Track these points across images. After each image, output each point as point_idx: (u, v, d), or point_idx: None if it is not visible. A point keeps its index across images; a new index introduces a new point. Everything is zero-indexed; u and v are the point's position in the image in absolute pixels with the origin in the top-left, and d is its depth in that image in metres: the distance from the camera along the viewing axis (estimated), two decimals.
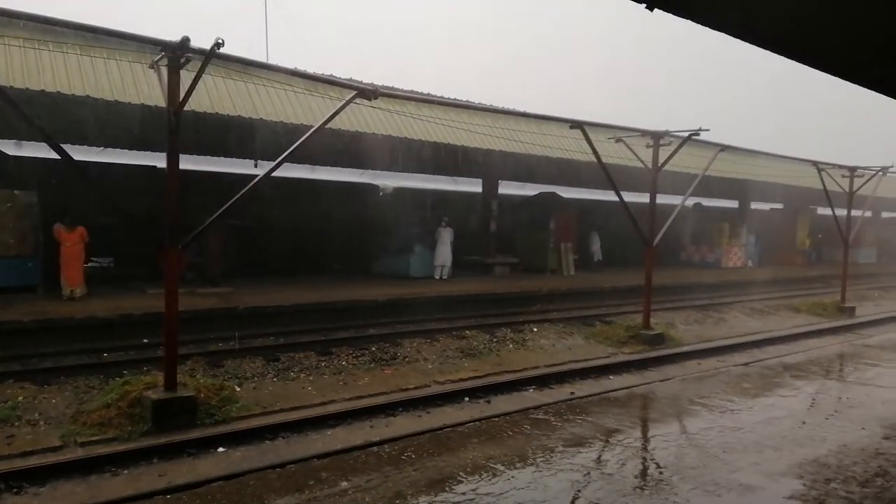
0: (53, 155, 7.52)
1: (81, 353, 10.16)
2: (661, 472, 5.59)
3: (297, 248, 19.01)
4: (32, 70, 10.17)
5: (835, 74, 5.24)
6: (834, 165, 18.82)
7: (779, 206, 32.66)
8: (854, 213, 19.58)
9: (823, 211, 28.13)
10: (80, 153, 14.29)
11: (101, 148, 16.68)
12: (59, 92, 10.20)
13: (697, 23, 4.15)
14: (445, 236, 18.88)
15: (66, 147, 7.82)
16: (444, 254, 18.84)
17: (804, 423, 7.09)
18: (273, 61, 11.38)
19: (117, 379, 8.54)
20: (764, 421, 7.11)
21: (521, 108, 15.11)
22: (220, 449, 6.86)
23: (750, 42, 4.33)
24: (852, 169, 18.84)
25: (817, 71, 5.11)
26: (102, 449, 6.65)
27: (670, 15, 3.99)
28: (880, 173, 19.06)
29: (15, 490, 5.71)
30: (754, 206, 32.16)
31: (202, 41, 7.65)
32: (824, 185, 18.53)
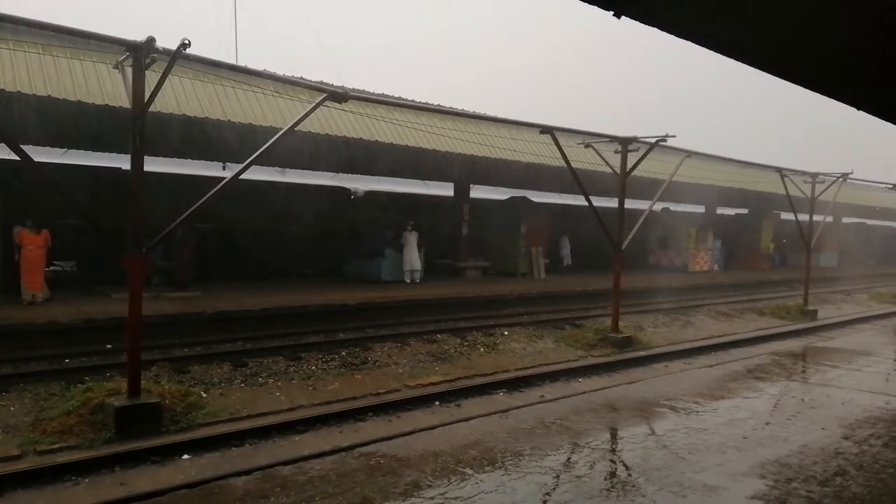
0: (13, 156, 7.33)
1: (42, 359, 9.90)
2: (628, 474, 5.65)
3: (266, 251, 18.78)
4: None
5: (801, 84, 5.36)
6: (797, 172, 19.30)
7: (744, 210, 33.34)
8: (816, 217, 20.09)
9: (787, 216, 28.79)
10: (41, 154, 13.94)
11: (64, 149, 16.30)
12: (19, 91, 9.96)
13: (662, 30, 4.22)
14: (412, 240, 18.87)
15: (27, 148, 7.62)
16: (411, 258, 18.81)
17: (767, 423, 7.23)
18: (242, 63, 11.28)
19: (79, 385, 8.34)
20: (728, 422, 7.23)
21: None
22: (185, 456, 6.74)
23: (712, 49, 4.42)
24: (814, 175, 19.35)
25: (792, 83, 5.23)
26: (62, 457, 6.48)
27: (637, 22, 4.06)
28: (840, 179, 19.60)
29: None
30: (720, 210, 32.78)
31: (169, 41, 7.55)
32: (787, 191, 18.99)
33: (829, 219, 22.97)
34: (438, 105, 15.58)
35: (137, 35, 7.58)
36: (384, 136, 14.25)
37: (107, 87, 10.75)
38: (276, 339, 11.91)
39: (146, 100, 7.65)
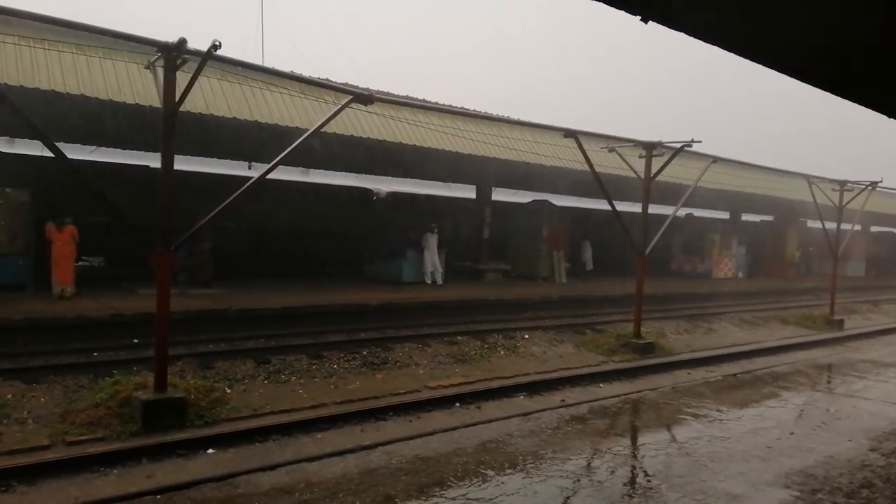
0: (46, 153, 7.51)
1: (71, 352, 10.09)
2: (649, 480, 5.63)
3: (289, 250, 18.98)
4: (27, 68, 10.15)
5: (836, 93, 5.29)
6: (824, 179, 19.02)
7: (769, 217, 32.91)
8: (843, 226, 19.78)
9: (813, 224, 28.35)
10: (70, 151, 14.24)
11: (94, 147, 16.63)
12: (53, 90, 10.18)
13: (690, 35, 4.21)
14: (433, 242, 18.94)
15: (59, 145, 7.79)
16: (432, 260, 18.89)
17: (792, 433, 7.16)
18: (268, 64, 11.43)
19: (107, 379, 8.49)
20: (752, 431, 7.17)
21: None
22: (210, 451, 6.83)
23: (743, 56, 4.39)
24: (842, 183, 19.04)
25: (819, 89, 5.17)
26: (91, 448, 6.61)
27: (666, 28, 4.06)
28: (869, 188, 19.27)
29: (3, 488, 5.68)
30: (745, 217, 32.39)
31: (196, 42, 7.67)
32: (814, 199, 18.71)
33: (857, 227, 22.56)
34: (462, 108, 15.63)
35: (164, 36, 7.73)
36: (408, 139, 14.33)
37: (137, 87, 10.95)
38: (298, 338, 12.01)
39: (177, 100, 7.79)
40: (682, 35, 4.08)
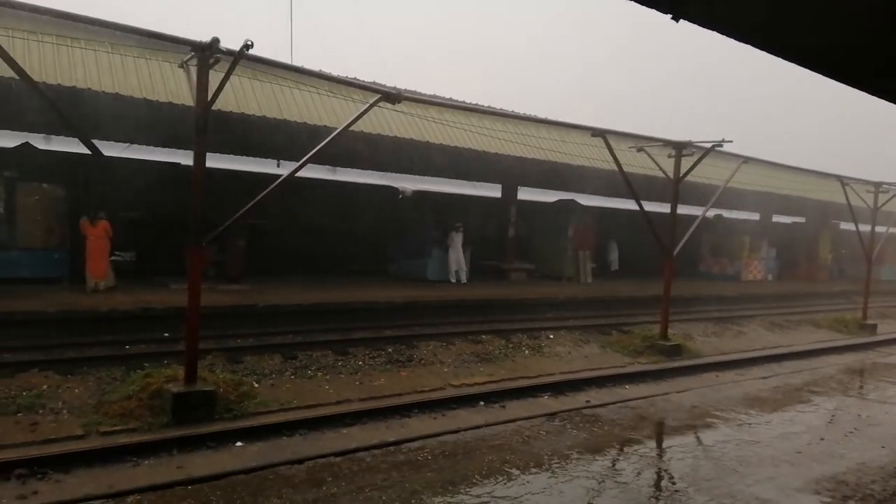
0: (81, 149, 7.68)
1: (104, 344, 10.32)
2: (676, 483, 5.59)
3: (316, 248, 19.16)
4: (64, 67, 10.38)
5: (873, 93, 5.19)
6: (859, 180, 18.61)
7: (801, 219, 32.28)
8: (878, 229, 19.33)
9: (847, 226, 27.76)
10: (106, 148, 14.52)
11: (127, 144, 16.95)
12: (89, 88, 10.40)
13: (722, 34, 4.17)
14: (458, 241, 18.96)
15: (94, 142, 7.96)
16: (457, 258, 18.92)
17: (822, 439, 7.04)
18: (297, 63, 11.54)
19: (139, 371, 8.67)
20: (781, 435, 7.06)
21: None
22: (239, 443, 6.95)
23: (776, 55, 4.34)
24: (877, 184, 18.62)
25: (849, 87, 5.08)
26: (123, 439, 6.77)
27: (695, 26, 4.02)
28: None
29: (39, 476, 5.84)
30: (776, 218, 31.81)
31: (226, 42, 7.77)
32: (848, 200, 18.32)
33: (893, 230, 22.03)
34: (489, 106, 15.61)
35: (191, 35, 7.85)
36: (434, 137, 14.35)
37: (171, 85, 11.14)
38: (324, 334, 12.11)
39: (209, 98, 7.92)
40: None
